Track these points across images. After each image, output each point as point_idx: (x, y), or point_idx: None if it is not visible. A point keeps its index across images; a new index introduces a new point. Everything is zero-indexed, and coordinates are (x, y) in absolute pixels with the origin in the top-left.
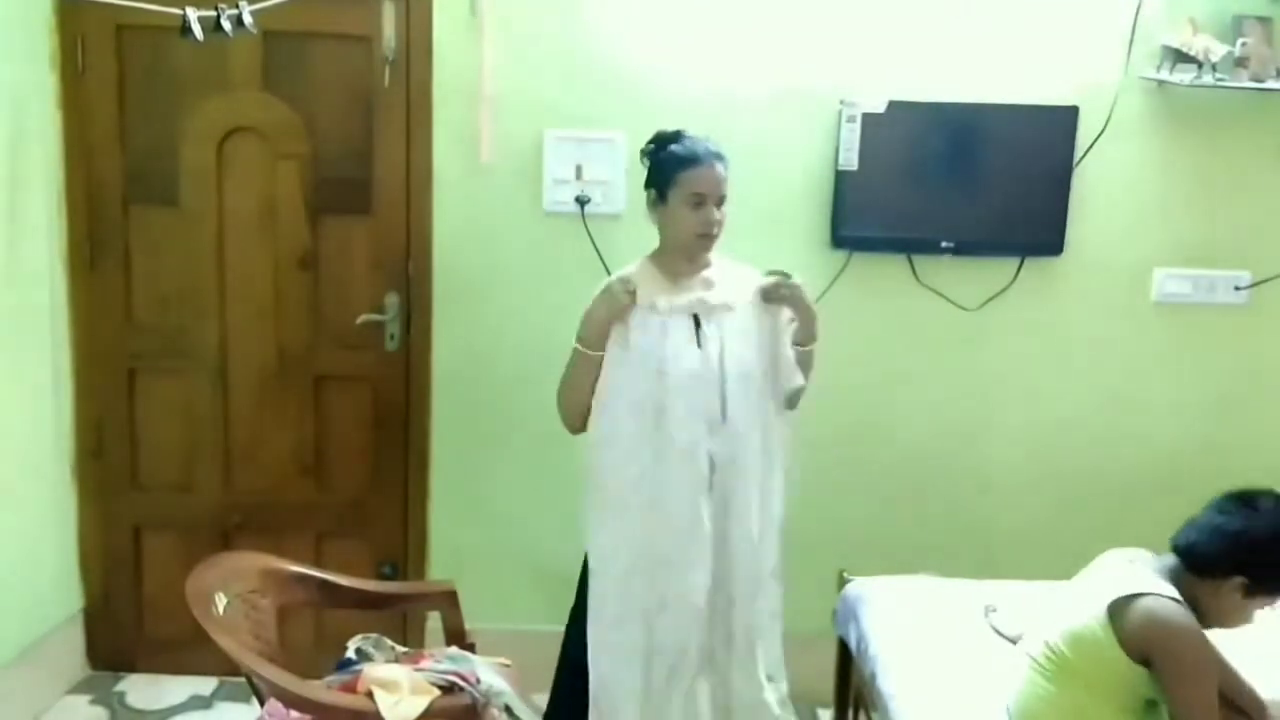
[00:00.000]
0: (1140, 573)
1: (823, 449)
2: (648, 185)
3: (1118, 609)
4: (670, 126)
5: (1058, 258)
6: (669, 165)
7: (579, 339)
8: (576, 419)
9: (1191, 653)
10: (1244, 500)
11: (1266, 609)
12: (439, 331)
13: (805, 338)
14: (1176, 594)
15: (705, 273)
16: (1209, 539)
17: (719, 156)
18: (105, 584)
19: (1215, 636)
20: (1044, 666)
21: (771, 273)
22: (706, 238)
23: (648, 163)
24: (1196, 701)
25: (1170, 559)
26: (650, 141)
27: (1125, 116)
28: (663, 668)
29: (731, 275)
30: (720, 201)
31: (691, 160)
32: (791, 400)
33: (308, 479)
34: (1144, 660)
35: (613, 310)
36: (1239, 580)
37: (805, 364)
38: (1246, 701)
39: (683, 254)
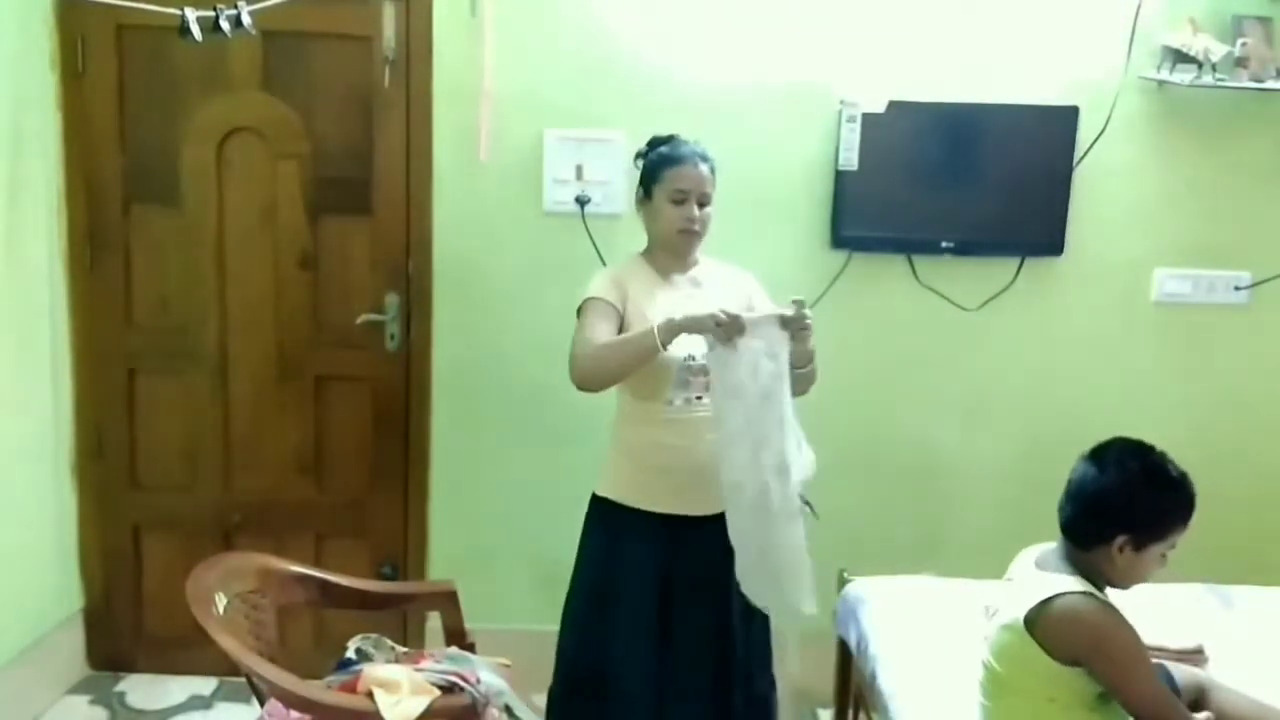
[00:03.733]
0: (1044, 576)
1: (822, 449)
2: (638, 185)
3: (1032, 619)
4: (670, 126)
5: (1058, 258)
6: (656, 164)
7: (662, 336)
8: (600, 387)
9: (1113, 640)
10: (1095, 459)
11: (1169, 553)
12: (439, 331)
13: (803, 362)
14: (1081, 584)
15: (693, 272)
16: (1079, 507)
17: (704, 158)
18: (105, 584)
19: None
20: (989, 689)
21: (794, 302)
22: (688, 233)
23: (640, 165)
24: (1138, 683)
25: (1064, 542)
26: (645, 145)
27: (1125, 116)
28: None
29: (717, 275)
30: (703, 201)
31: (676, 159)
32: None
33: (308, 479)
34: (1074, 662)
35: (702, 329)
36: (1122, 539)
37: (806, 380)
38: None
39: (668, 250)
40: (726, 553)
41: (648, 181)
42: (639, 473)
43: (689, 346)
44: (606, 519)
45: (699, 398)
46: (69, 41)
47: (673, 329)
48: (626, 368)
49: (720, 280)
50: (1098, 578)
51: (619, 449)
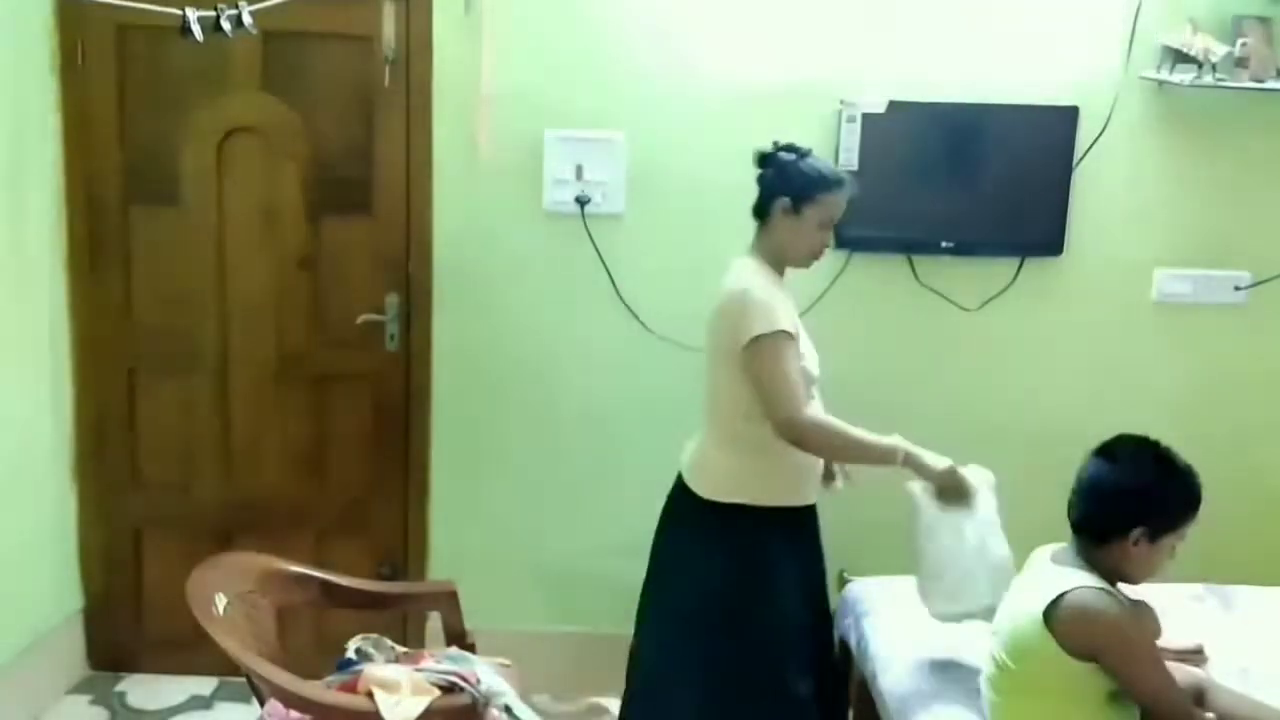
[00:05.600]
0: (1060, 571)
1: None
2: (779, 192)
3: (1048, 614)
4: (670, 126)
5: (1058, 258)
6: (814, 181)
7: (901, 462)
8: (814, 455)
9: (1128, 635)
10: (1107, 455)
11: (1179, 544)
12: (439, 331)
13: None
14: (1096, 580)
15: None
16: (1094, 503)
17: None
18: (105, 584)
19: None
20: (1000, 686)
21: None
22: (816, 259)
23: (775, 169)
24: (1150, 677)
25: (1076, 539)
26: (782, 148)
27: (1125, 116)
28: None
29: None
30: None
31: (837, 184)
32: None
33: (308, 479)
34: (1088, 657)
35: (927, 478)
36: (1138, 531)
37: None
38: (1187, 657)
39: (789, 264)
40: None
41: (800, 196)
42: (778, 472)
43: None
44: (741, 524)
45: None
46: (69, 41)
47: (911, 462)
48: (850, 462)
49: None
50: (1111, 574)
51: (763, 453)
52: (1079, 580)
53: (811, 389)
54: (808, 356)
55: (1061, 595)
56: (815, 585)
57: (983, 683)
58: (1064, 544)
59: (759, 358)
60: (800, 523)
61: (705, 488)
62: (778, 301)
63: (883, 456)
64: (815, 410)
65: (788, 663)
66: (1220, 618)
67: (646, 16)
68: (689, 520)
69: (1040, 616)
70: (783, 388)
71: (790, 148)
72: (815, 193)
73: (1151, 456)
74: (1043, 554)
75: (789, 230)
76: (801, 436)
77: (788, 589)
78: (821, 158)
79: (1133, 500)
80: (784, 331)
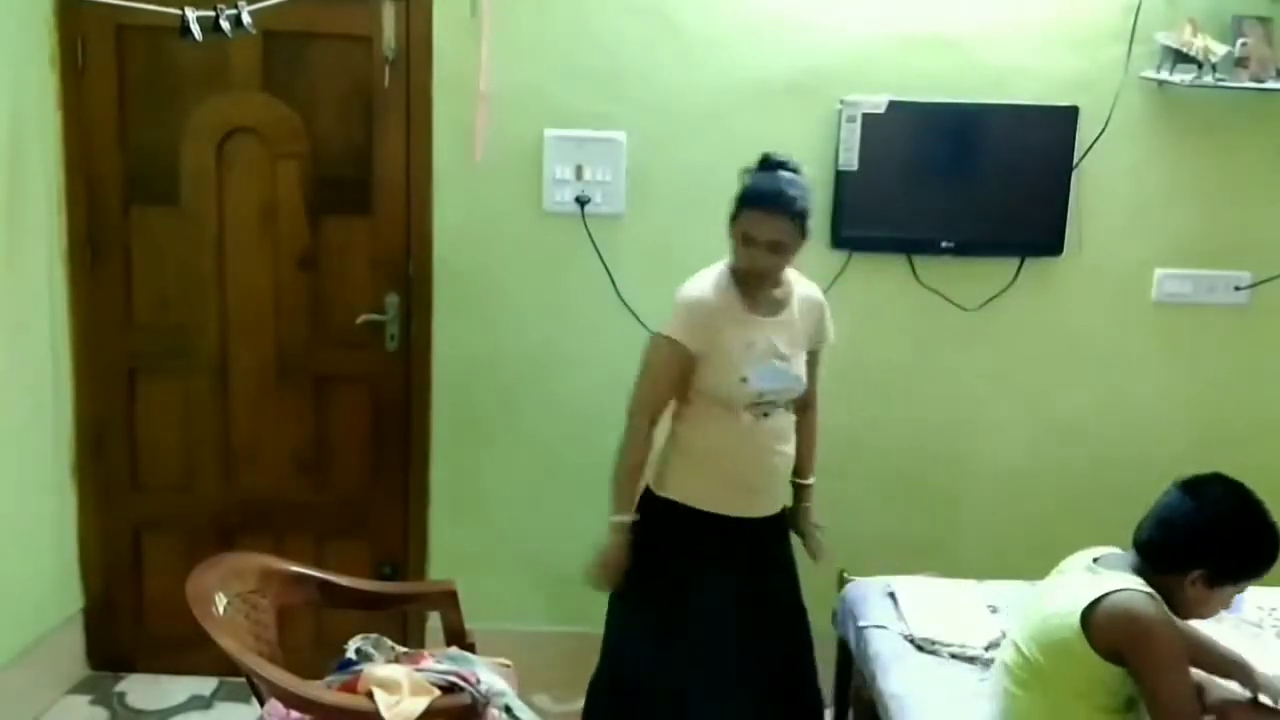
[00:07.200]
0: (1108, 574)
1: (823, 449)
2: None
3: (1088, 612)
4: (670, 126)
5: (1058, 258)
6: (740, 195)
7: (618, 528)
8: None
9: (1162, 642)
10: (1192, 491)
11: (1237, 595)
12: (439, 331)
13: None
14: (1145, 587)
15: (778, 291)
16: (1164, 534)
17: (785, 207)
18: (105, 584)
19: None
20: (1019, 676)
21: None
22: (752, 274)
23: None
24: (1172, 689)
25: (1135, 556)
26: (764, 160)
27: (1125, 116)
28: None
29: (798, 297)
30: (775, 248)
31: (752, 202)
32: None
33: (308, 479)
34: (1116, 657)
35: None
36: (1200, 571)
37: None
38: (1231, 669)
39: (745, 277)
40: (786, 544)
41: (734, 207)
42: (701, 476)
43: (762, 382)
44: (670, 520)
45: (765, 415)
46: (69, 41)
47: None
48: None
49: (798, 305)
50: (1165, 599)
51: (685, 455)
52: (1126, 583)
53: (745, 407)
54: (728, 371)
55: (1106, 595)
56: (763, 609)
57: (998, 671)
58: (1111, 549)
59: (645, 351)
60: (735, 536)
61: (650, 477)
62: (703, 310)
63: (615, 513)
64: (648, 424)
65: (694, 680)
66: (1221, 615)
67: (647, 16)
68: (641, 507)
69: (1079, 613)
70: (639, 385)
71: (760, 161)
72: (735, 208)
73: (1235, 503)
74: (1084, 556)
75: (732, 240)
76: (623, 434)
77: (709, 604)
78: (787, 176)
79: (1200, 542)
80: (670, 338)
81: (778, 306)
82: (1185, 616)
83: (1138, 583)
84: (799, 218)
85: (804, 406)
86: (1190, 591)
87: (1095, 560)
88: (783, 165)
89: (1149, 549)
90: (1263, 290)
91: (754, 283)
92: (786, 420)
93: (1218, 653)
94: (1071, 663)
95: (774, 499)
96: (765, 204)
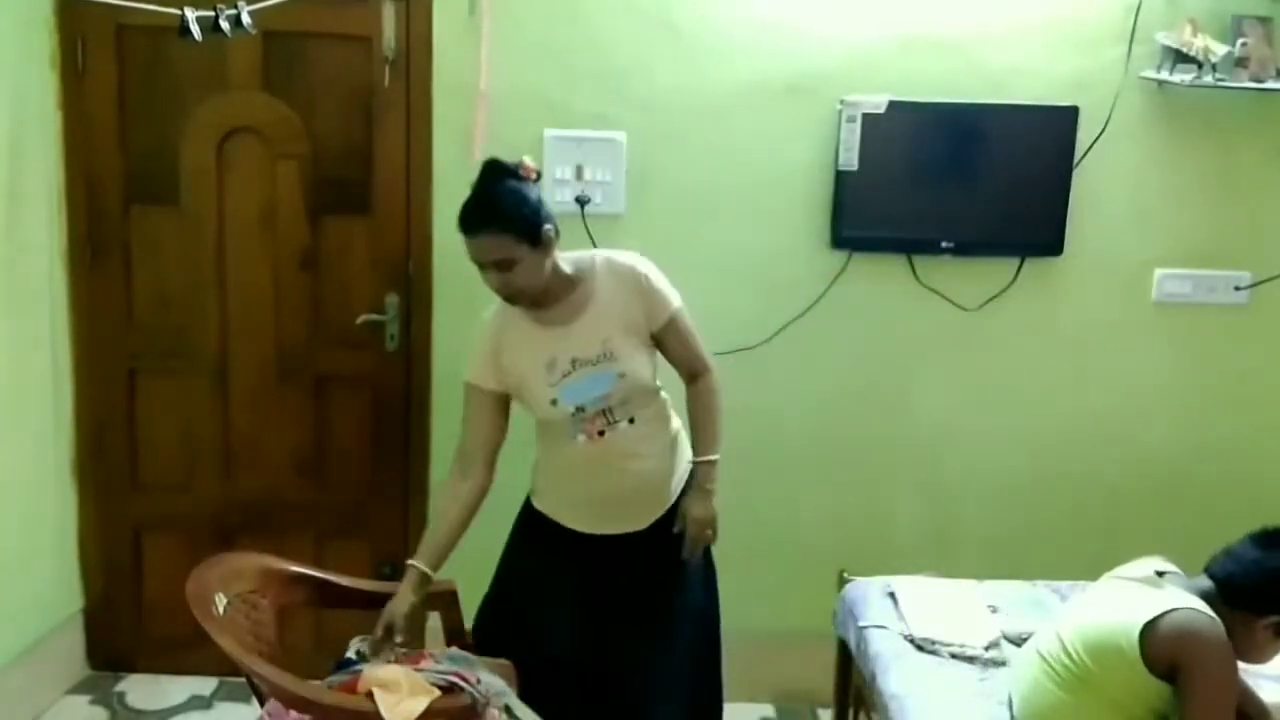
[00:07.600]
0: (1174, 590)
1: (822, 449)
2: None
3: (1149, 626)
4: (670, 126)
5: (1058, 258)
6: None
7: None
8: None
9: (1218, 667)
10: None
11: None
12: (439, 331)
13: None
14: (1210, 610)
15: (572, 296)
16: (1246, 573)
17: (489, 223)
18: (105, 584)
19: None
20: (1058, 672)
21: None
22: (511, 298)
23: None
24: (1215, 714)
25: (1205, 582)
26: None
27: (1125, 116)
28: None
29: (601, 291)
30: (504, 265)
31: (460, 225)
32: None
33: (308, 479)
34: (1167, 674)
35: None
36: (1274, 619)
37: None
38: (1253, 707)
39: None
40: (653, 557)
41: None
42: (563, 500)
43: (575, 398)
44: (524, 514)
45: (601, 433)
46: (69, 41)
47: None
48: None
49: (603, 295)
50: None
51: (542, 474)
52: (1192, 603)
53: (572, 427)
54: (537, 398)
55: (1171, 610)
56: (613, 635)
57: (1030, 658)
58: (1174, 568)
59: None
60: (576, 549)
61: (531, 486)
62: (486, 347)
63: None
64: (458, 470)
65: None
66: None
67: (647, 17)
68: (522, 513)
69: (1140, 625)
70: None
71: (483, 170)
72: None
73: None
74: (1146, 565)
75: None
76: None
77: (546, 617)
78: (489, 193)
79: None
80: (468, 383)
81: (574, 311)
82: (1243, 658)
83: (1203, 606)
84: (512, 225)
85: (689, 379)
86: (1257, 635)
87: (1160, 574)
88: (500, 171)
89: (1229, 583)
90: (1263, 290)
91: (524, 303)
92: (640, 431)
93: (1257, 700)
94: (1119, 671)
95: (636, 517)
96: (467, 227)
